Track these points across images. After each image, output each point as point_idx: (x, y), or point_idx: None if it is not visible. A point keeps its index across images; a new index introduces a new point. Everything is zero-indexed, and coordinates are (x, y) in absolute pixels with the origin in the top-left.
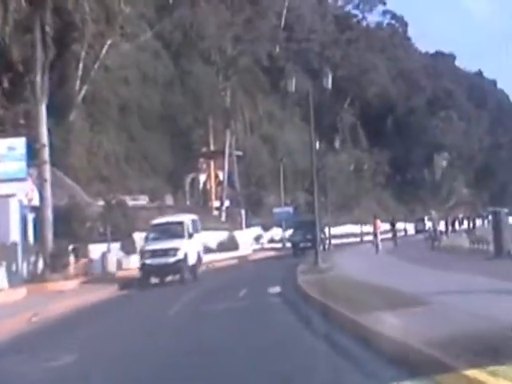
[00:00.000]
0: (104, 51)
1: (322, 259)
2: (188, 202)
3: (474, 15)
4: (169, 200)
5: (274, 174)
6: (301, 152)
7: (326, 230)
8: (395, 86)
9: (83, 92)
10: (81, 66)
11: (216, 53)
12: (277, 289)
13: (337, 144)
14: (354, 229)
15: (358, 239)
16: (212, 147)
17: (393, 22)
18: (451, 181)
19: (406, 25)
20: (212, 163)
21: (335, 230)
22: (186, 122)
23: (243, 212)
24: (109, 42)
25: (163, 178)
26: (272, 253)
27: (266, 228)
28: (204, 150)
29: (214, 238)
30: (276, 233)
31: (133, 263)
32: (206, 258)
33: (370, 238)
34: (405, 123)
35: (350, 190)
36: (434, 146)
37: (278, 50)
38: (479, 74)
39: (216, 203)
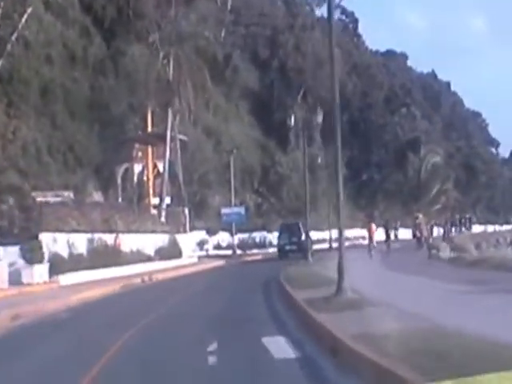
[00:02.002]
0: (23, 20)
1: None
2: (120, 199)
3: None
4: (98, 196)
5: (220, 171)
6: (248, 148)
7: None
8: (350, 81)
9: None
10: None
11: (155, 33)
12: (280, 343)
13: (291, 141)
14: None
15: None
16: (150, 130)
17: (343, 17)
18: (439, 181)
19: (356, 21)
20: (150, 150)
21: None
22: (119, 109)
23: (187, 211)
24: (29, 11)
25: (91, 172)
26: (221, 262)
27: (210, 232)
28: (140, 133)
29: (151, 242)
30: (223, 238)
31: (38, 276)
32: (142, 267)
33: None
34: (362, 120)
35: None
36: (401, 145)
37: (223, 34)
38: (433, 74)
39: (154, 200)
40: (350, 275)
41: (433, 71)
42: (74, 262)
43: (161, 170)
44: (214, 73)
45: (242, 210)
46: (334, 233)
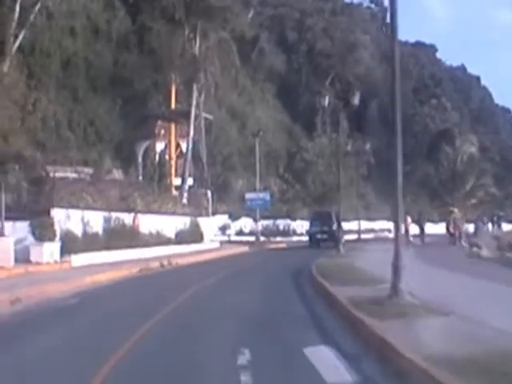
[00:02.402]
0: None
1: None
2: (140, 178)
3: (453, 7)
4: (118, 174)
5: (244, 154)
6: (274, 132)
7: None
8: (380, 69)
9: (20, 39)
10: (17, 6)
11: (181, 8)
12: (328, 358)
13: (317, 127)
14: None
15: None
16: (173, 107)
17: (372, 5)
18: (475, 174)
19: (385, 10)
20: (173, 128)
21: None
22: (142, 86)
23: (210, 194)
24: None
25: (112, 148)
26: (244, 248)
27: (233, 217)
28: (163, 110)
29: (171, 224)
30: (245, 223)
31: (49, 255)
32: (161, 250)
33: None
34: (391, 110)
35: (330, 179)
36: (433, 136)
37: (251, 15)
38: (462, 68)
39: (176, 181)
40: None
41: (462, 65)
42: (88, 242)
43: (184, 149)
44: (240, 54)
45: (267, 195)
46: (363, 224)
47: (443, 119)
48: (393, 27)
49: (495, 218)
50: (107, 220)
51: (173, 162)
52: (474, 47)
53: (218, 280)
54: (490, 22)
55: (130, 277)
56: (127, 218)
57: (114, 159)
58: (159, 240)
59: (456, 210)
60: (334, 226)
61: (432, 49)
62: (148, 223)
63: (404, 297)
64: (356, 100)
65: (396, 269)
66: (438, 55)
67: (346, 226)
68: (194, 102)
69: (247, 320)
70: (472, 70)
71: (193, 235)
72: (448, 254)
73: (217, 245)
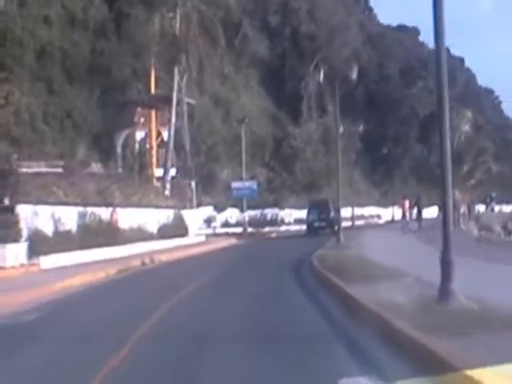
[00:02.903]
0: None
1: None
2: (120, 170)
3: None
4: (97, 168)
5: (229, 142)
6: (259, 120)
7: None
8: (365, 51)
9: None
10: None
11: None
12: None
13: (303, 112)
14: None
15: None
16: (153, 92)
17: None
18: (474, 152)
19: None
20: (153, 116)
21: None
22: (121, 74)
23: (194, 185)
24: None
25: (91, 141)
26: (232, 241)
27: (218, 208)
28: (143, 96)
29: (154, 218)
30: (231, 214)
31: (13, 258)
32: (143, 247)
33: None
34: (378, 93)
35: (318, 166)
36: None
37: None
38: (446, 50)
39: (158, 171)
40: (404, 259)
41: (446, 47)
42: (60, 241)
43: (165, 138)
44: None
45: (254, 184)
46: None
47: (431, 101)
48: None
49: (488, 200)
50: (82, 216)
51: (154, 152)
52: (457, 30)
53: (206, 280)
54: (471, 5)
55: (106, 279)
56: (104, 212)
57: (92, 152)
58: (141, 235)
59: (456, 191)
60: (332, 214)
61: (415, 32)
62: (128, 218)
63: (458, 300)
64: (354, 74)
65: (447, 265)
66: (421, 38)
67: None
68: (176, 86)
69: (253, 334)
70: (455, 52)
71: (177, 229)
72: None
73: (202, 238)
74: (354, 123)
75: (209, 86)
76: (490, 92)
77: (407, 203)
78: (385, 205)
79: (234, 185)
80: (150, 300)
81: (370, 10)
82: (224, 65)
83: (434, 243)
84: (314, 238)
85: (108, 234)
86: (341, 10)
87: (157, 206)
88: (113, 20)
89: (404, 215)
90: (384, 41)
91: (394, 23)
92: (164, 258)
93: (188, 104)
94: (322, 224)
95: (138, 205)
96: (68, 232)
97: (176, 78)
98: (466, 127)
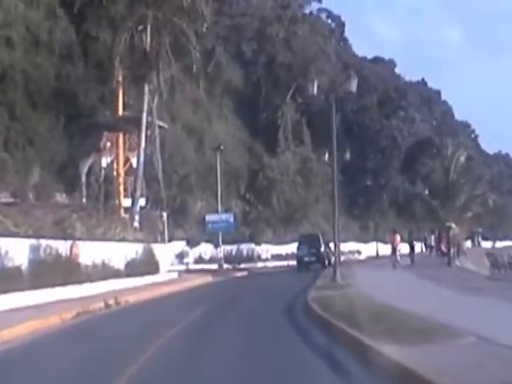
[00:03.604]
0: None
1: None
2: (84, 200)
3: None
4: (61, 199)
5: (202, 173)
6: (234, 150)
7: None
8: (342, 81)
9: None
10: None
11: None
12: None
13: (280, 142)
14: None
15: None
16: (121, 113)
17: (329, 21)
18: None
19: (343, 25)
20: (121, 140)
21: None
22: (88, 101)
23: (165, 216)
24: None
25: (55, 170)
26: (207, 278)
27: (191, 243)
28: (109, 117)
29: (120, 253)
30: (205, 250)
31: None
32: (107, 286)
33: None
34: (356, 123)
35: (296, 198)
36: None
37: (205, 26)
38: (423, 82)
39: (126, 202)
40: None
41: (423, 79)
42: (7, 279)
43: (134, 164)
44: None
45: (230, 217)
46: (331, 246)
47: (412, 132)
48: None
49: (475, 235)
50: (35, 249)
51: (121, 180)
52: (431, 64)
53: (182, 332)
54: (441, 41)
55: (60, 326)
56: (63, 246)
57: (57, 182)
58: (105, 273)
59: (453, 224)
60: (322, 249)
61: (391, 63)
62: (90, 252)
63: None
64: (354, 86)
65: None
66: (397, 70)
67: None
68: (146, 107)
69: None
70: (432, 84)
71: (147, 265)
72: (460, 276)
73: (175, 275)
74: (330, 155)
75: (181, 110)
76: (466, 125)
77: (398, 238)
78: (364, 240)
79: (209, 218)
80: (110, 360)
81: (346, 40)
82: (197, 89)
83: (440, 280)
84: (299, 275)
85: (66, 271)
86: (317, 39)
87: (124, 240)
88: (80, 43)
89: (394, 250)
90: (361, 71)
91: (369, 55)
92: (132, 298)
93: (160, 128)
94: (312, 259)
95: (103, 238)
96: (17, 268)
97: (146, 98)
98: (462, 158)
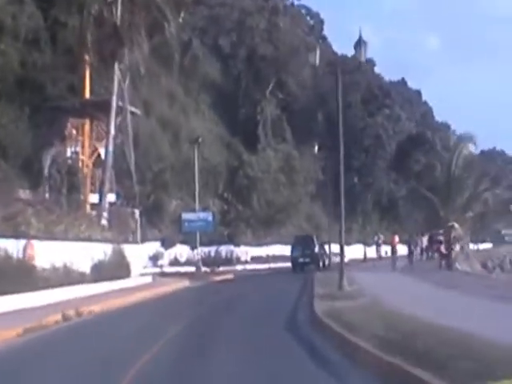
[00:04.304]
0: None
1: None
2: (47, 195)
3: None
4: (25, 195)
5: (178, 170)
6: (211, 146)
7: (326, 246)
8: (324, 77)
9: None
10: None
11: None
12: None
13: (261, 139)
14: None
15: None
16: (88, 96)
17: (308, 18)
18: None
19: (322, 22)
20: (87, 126)
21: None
22: (56, 90)
23: (138, 214)
24: None
25: (19, 165)
26: (184, 282)
27: (166, 244)
28: (75, 102)
29: (85, 254)
30: (181, 251)
31: None
32: (69, 293)
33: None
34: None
35: (278, 198)
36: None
37: (182, 16)
38: (403, 82)
39: (94, 197)
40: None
41: (403, 79)
42: None
43: (103, 155)
44: (169, 60)
45: (208, 215)
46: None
47: (397, 131)
48: None
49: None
50: None
51: (88, 172)
52: (409, 66)
53: (158, 357)
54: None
55: (2, 347)
56: (14, 246)
57: (20, 177)
58: (67, 277)
59: (456, 224)
60: (316, 250)
61: (371, 63)
62: (49, 254)
63: None
64: (314, 58)
65: None
66: (376, 70)
67: None
68: (116, 89)
69: None
70: (412, 84)
71: (116, 268)
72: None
73: (149, 279)
74: (312, 153)
75: (157, 103)
76: (446, 126)
77: (397, 239)
78: (348, 242)
79: (185, 216)
80: None
81: (325, 38)
82: (172, 87)
83: (458, 286)
84: (287, 278)
85: (18, 276)
86: (299, 32)
87: (90, 239)
88: (47, 29)
89: (394, 251)
90: (343, 67)
91: (348, 54)
92: (97, 308)
93: (132, 114)
94: (307, 260)
95: (64, 237)
96: None
97: (116, 78)
98: (465, 151)
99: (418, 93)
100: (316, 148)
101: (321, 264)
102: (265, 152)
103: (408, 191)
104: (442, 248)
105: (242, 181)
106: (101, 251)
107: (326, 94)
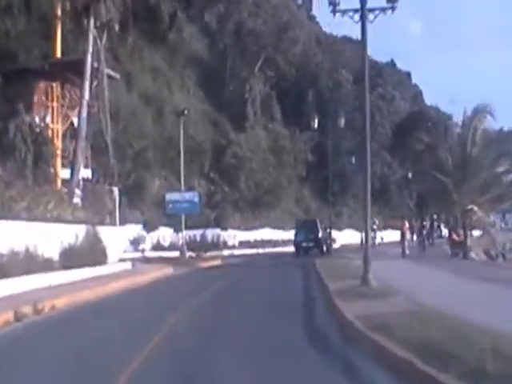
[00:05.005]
0: None
1: None
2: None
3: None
4: None
5: (161, 148)
6: (197, 123)
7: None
8: (315, 55)
9: None
10: None
11: None
12: None
13: (248, 117)
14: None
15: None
16: (59, 56)
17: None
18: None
19: (310, 2)
20: (59, 92)
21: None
22: (30, 59)
23: (117, 192)
24: None
25: None
26: (167, 269)
27: (148, 227)
28: (44, 64)
29: (54, 237)
30: (164, 234)
31: None
32: (33, 282)
33: None
34: (331, 100)
35: (267, 179)
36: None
37: None
38: (392, 64)
39: (66, 172)
40: None
41: (392, 60)
42: None
43: (76, 123)
44: (153, 34)
45: (194, 196)
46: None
47: (391, 111)
48: None
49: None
50: None
51: (59, 143)
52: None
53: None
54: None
55: None
56: None
57: None
58: (30, 264)
59: (475, 207)
60: (320, 234)
61: (360, 44)
62: (7, 235)
63: None
64: None
65: None
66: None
67: (287, 235)
68: (91, 48)
69: None
70: (402, 66)
71: (90, 253)
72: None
73: (128, 266)
74: (302, 133)
75: (139, 78)
76: (436, 109)
77: (407, 224)
78: (339, 227)
79: (170, 197)
80: None
81: (313, 18)
82: (155, 62)
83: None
84: (284, 266)
85: None
86: (289, 5)
87: (59, 220)
88: None
89: (403, 237)
90: (334, 45)
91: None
92: (61, 302)
93: (110, 78)
94: (311, 244)
95: (28, 216)
96: None
97: (91, 35)
98: (481, 127)
99: (408, 75)
100: (316, 122)
101: (324, 248)
102: (253, 130)
103: (412, 173)
104: (455, 235)
105: (230, 160)
106: (72, 234)
107: (316, 73)
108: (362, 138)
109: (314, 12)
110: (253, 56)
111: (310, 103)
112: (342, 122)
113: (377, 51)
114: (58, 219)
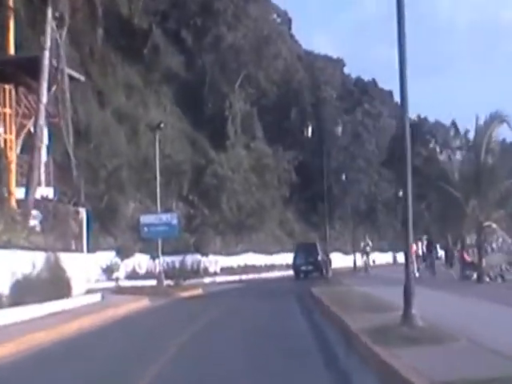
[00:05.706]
0: None
1: None
2: None
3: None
4: None
5: (136, 168)
6: (174, 142)
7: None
8: (298, 70)
9: None
10: None
11: None
12: None
13: (229, 135)
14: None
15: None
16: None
17: (274, 16)
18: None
19: (289, 21)
20: (12, 93)
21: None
22: None
23: (84, 214)
24: None
25: None
26: (142, 302)
27: (122, 253)
28: None
29: (4, 267)
30: (139, 261)
31: None
32: None
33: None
34: (314, 117)
35: (249, 201)
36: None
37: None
38: (373, 82)
39: (20, 190)
40: None
41: (373, 79)
42: None
43: (32, 130)
44: (128, 50)
45: (173, 218)
46: (287, 256)
47: (378, 128)
48: None
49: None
50: None
51: (13, 156)
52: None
53: None
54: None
55: None
56: None
57: None
58: None
59: (494, 225)
60: (319, 257)
61: (341, 63)
62: None
63: None
64: None
65: None
66: (346, 70)
67: (271, 259)
68: (49, 43)
69: None
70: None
71: (51, 286)
72: None
73: (97, 298)
74: (285, 153)
75: (112, 94)
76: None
77: (414, 247)
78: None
79: (145, 219)
80: None
81: (292, 36)
82: (130, 78)
83: None
84: (274, 295)
85: None
86: (270, 20)
87: (9, 246)
88: None
89: (412, 259)
90: (315, 63)
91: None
92: (8, 348)
93: (72, 79)
94: (310, 268)
95: None
96: None
97: (49, 27)
98: (494, 133)
99: (390, 93)
100: (310, 131)
101: (324, 271)
102: (234, 149)
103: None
104: (466, 255)
105: (210, 180)
106: (27, 262)
107: (299, 92)
108: (349, 156)
109: (294, 31)
110: (233, 72)
111: (294, 120)
112: (339, 129)
113: (358, 69)
114: (9, 245)
